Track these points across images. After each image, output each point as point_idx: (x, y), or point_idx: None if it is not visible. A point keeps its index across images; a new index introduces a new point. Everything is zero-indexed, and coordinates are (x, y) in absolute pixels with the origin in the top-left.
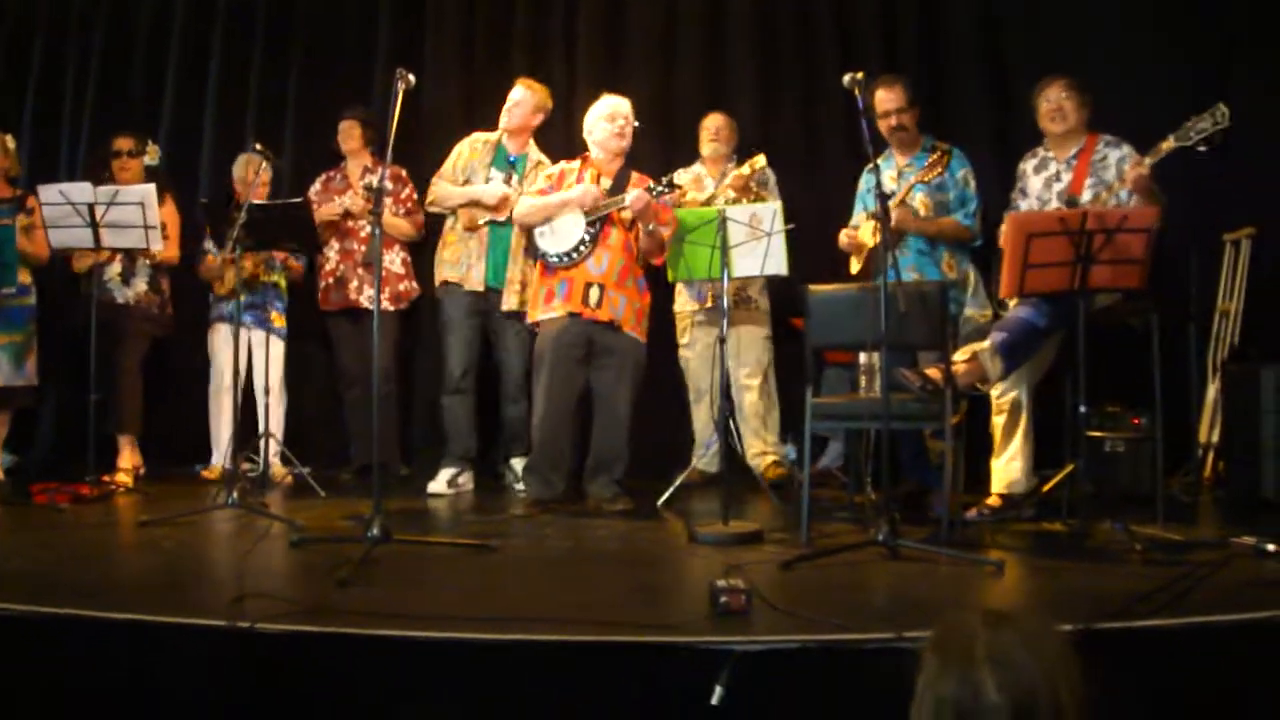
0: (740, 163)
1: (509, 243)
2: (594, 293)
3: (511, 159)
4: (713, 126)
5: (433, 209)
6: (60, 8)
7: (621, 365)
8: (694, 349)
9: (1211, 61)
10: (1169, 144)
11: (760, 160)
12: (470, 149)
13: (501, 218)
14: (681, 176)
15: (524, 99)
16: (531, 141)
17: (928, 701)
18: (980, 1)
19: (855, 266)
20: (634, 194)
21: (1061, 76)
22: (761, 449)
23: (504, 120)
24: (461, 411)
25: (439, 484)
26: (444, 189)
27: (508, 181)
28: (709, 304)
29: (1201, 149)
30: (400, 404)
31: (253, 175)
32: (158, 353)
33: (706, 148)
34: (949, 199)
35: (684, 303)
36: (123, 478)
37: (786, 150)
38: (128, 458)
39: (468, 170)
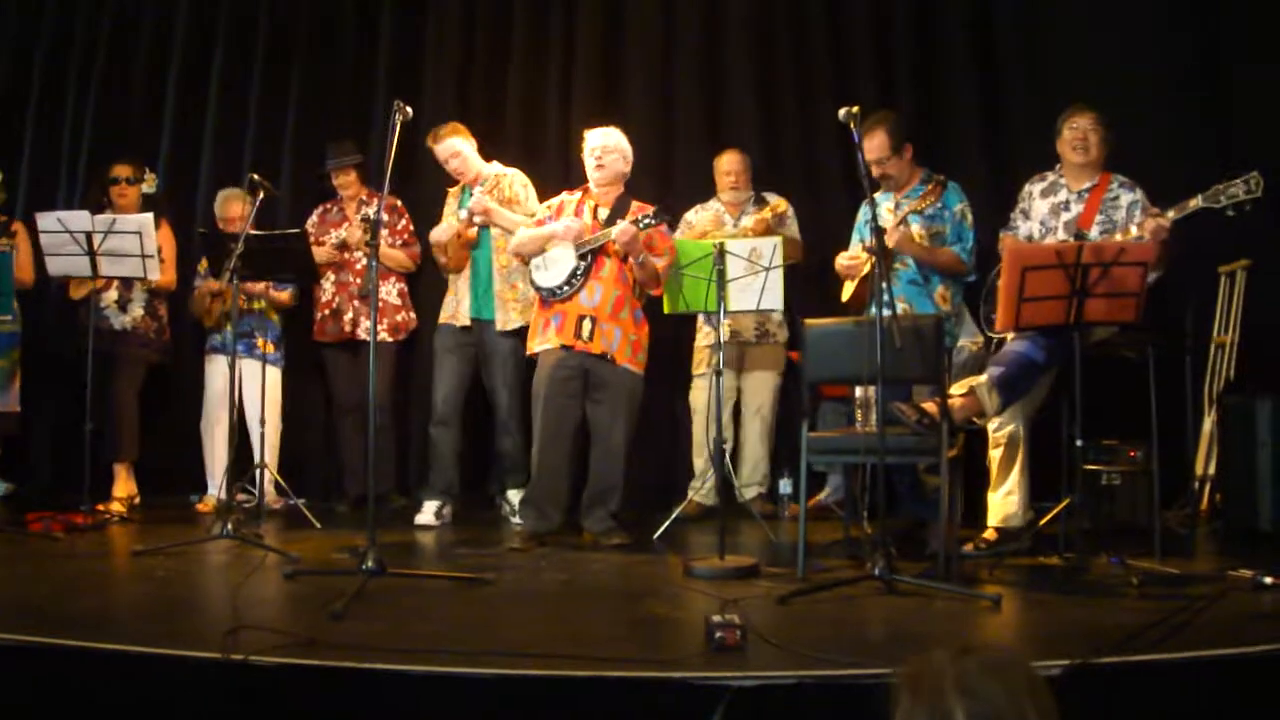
0: (759, 200)
1: (488, 270)
2: (586, 325)
3: (473, 193)
4: (732, 170)
5: (445, 273)
6: (60, 34)
7: (616, 399)
8: (708, 381)
9: (1211, 92)
10: (1195, 203)
11: (781, 205)
12: (446, 207)
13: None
14: (700, 214)
15: (450, 149)
16: (488, 164)
17: None
18: (977, 26)
19: (846, 293)
20: (620, 226)
21: (1092, 109)
22: (749, 480)
23: (460, 179)
24: (446, 444)
25: (426, 516)
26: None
27: None
28: (727, 337)
29: (1230, 214)
30: (396, 435)
31: (243, 209)
32: (154, 381)
33: (726, 194)
34: (945, 231)
35: (703, 335)
36: (117, 507)
37: (784, 180)
38: (123, 487)
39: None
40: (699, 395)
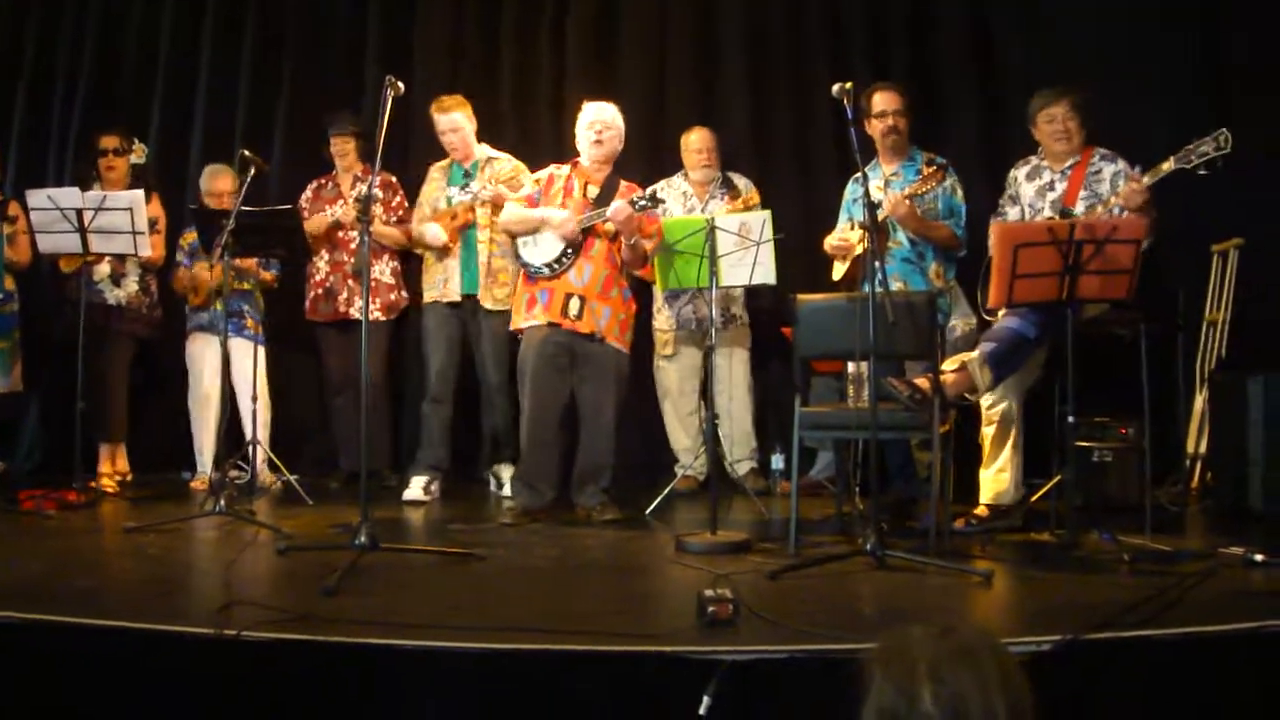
0: (726, 182)
1: (478, 249)
2: (574, 304)
3: (464, 171)
4: (703, 148)
5: (418, 249)
6: (51, 15)
7: (603, 376)
8: (678, 363)
9: (1208, 79)
10: (1169, 165)
11: (754, 196)
12: (429, 183)
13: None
14: (666, 190)
15: (452, 123)
16: (479, 145)
17: (870, 713)
18: (972, 11)
19: (838, 273)
20: (616, 205)
21: (1065, 95)
22: (739, 457)
23: (451, 154)
24: (436, 421)
25: (414, 491)
26: (415, 231)
27: (465, 190)
28: (694, 327)
29: (1202, 172)
30: (389, 412)
31: (231, 184)
32: (143, 358)
33: (698, 172)
34: (937, 208)
35: (664, 320)
36: (107, 483)
37: (775, 159)
38: (112, 463)
39: (431, 203)
40: (666, 377)
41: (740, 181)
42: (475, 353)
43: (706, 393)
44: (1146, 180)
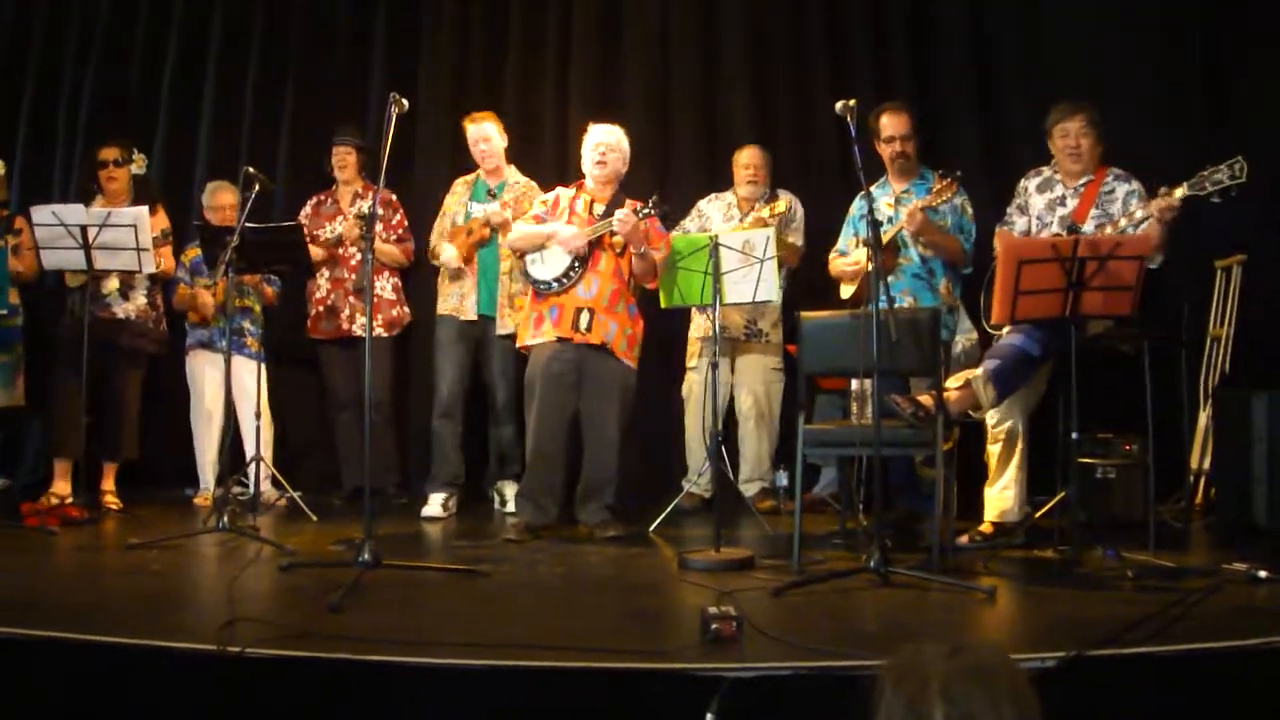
0: (773, 198)
1: (495, 269)
2: (584, 317)
3: (490, 189)
4: (751, 164)
5: (435, 263)
6: (56, 28)
7: (610, 391)
8: (701, 373)
9: (1211, 89)
10: (1182, 191)
11: (781, 205)
12: (451, 195)
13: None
14: (712, 203)
15: (483, 133)
16: (510, 166)
17: None
18: (973, 26)
19: (845, 292)
20: (621, 214)
21: (1080, 110)
22: (750, 477)
23: (483, 164)
24: (449, 436)
25: (434, 508)
26: (435, 247)
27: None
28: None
29: (1215, 200)
30: (394, 429)
31: (233, 199)
32: (147, 374)
33: (744, 188)
34: (946, 224)
35: (695, 327)
36: (110, 500)
37: (780, 176)
38: (109, 480)
39: (451, 216)
40: (690, 387)
41: (784, 196)
42: (485, 370)
43: (714, 408)
44: (1160, 202)
